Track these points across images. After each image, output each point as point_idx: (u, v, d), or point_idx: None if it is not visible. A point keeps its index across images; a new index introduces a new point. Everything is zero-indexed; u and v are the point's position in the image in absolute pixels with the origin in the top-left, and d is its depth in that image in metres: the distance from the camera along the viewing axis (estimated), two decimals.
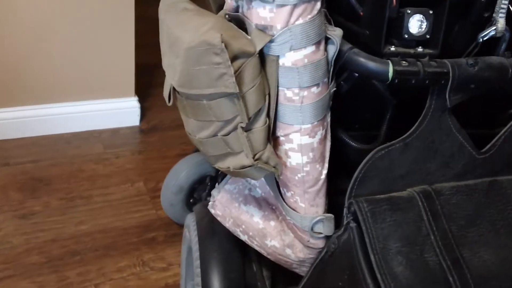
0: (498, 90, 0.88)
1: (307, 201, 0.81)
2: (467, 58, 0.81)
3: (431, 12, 0.80)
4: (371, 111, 0.96)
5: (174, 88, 0.76)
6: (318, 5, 0.70)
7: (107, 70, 2.03)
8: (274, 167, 0.74)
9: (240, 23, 0.75)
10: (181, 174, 1.60)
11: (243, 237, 0.95)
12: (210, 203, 0.98)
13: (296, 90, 0.73)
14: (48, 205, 1.70)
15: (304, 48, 0.70)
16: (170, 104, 0.78)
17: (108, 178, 1.85)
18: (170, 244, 1.64)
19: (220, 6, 0.91)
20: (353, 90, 0.88)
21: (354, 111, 0.96)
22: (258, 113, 0.72)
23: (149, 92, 2.34)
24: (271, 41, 0.70)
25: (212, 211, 0.98)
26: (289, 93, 0.73)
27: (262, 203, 0.93)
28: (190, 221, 1.26)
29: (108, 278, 1.48)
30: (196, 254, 1.17)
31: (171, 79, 0.76)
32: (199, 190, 1.66)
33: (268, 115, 0.73)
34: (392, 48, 0.81)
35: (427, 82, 0.79)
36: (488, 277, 0.79)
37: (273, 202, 0.92)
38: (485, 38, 0.84)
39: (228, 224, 0.96)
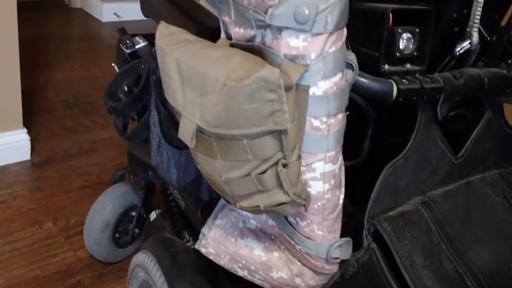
0: (473, 99, 0.94)
1: (325, 228, 0.79)
2: (451, 72, 0.85)
3: (417, 30, 0.84)
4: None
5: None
6: (345, 31, 0.69)
7: None
8: (304, 199, 0.71)
9: (254, 53, 0.70)
10: (107, 209, 1.48)
11: (242, 273, 0.90)
12: (200, 242, 0.91)
13: (324, 119, 0.70)
14: None
15: (335, 75, 0.69)
16: (192, 146, 0.71)
17: (10, 223, 1.65)
18: (99, 286, 1.51)
19: (199, 32, 0.85)
20: None
21: None
22: (293, 147, 0.69)
23: (34, 120, 2.12)
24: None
25: (203, 250, 0.91)
26: (316, 122, 0.71)
27: (259, 234, 0.89)
28: (146, 260, 1.18)
29: None
30: None
31: (196, 118, 0.69)
32: (124, 223, 1.55)
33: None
34: (386, 67, 0.83)
35: (425, 98, 0.82)
36: (492, 274, 0.85)
37: (272, 231, 0.88)
38: (461, 51, 0.89)
39: (223, 261, 0.90)
